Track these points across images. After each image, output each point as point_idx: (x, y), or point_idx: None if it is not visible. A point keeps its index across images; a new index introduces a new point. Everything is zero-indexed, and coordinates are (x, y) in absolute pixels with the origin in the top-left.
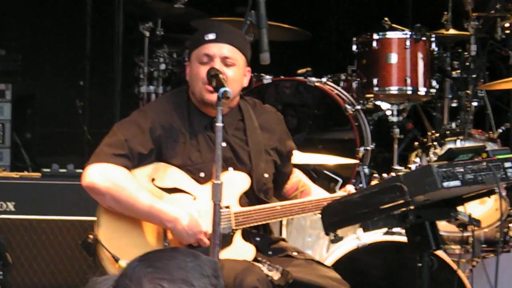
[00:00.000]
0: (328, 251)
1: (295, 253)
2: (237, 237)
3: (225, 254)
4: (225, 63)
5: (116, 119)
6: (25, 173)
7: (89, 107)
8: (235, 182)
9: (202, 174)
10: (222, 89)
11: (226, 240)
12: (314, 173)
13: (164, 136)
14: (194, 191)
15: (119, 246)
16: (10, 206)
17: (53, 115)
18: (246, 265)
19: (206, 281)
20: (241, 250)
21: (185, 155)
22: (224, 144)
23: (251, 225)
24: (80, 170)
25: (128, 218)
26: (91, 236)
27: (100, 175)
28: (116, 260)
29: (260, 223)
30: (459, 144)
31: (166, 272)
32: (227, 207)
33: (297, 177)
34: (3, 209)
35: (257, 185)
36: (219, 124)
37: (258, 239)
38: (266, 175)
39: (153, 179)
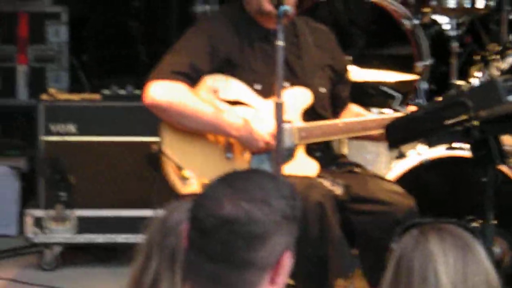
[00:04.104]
0: (389, 168)
1: (357, 169)
2: (300, 152)
3: (288, 168)
4: None
5: (172, 39)
6: (86, 95)
7: (145, 27)
8: (297, 97)
9: (258, 86)
10: (282, 8)
11: (288, 154)
12: (372, 89)
13: (224, 52)
14: (256, 104)
15: (182, 157)
16: (72, 128)
17: (108, 36)
18: (309, 181)
19: (284, 202)
20: (304, 165)
21: (241, 69)
22: None
23: (313, 140)
24: (138, 91)
25: (191, 132)
26: (155, 147)
27: (162, 92)
28: (180, 169)
29: (322, 139)
30: None
31: (246, 192)
32: (290, 121)
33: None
34: (65, 131)
35: (315, 100)
36: (280, 43)
37: (319, 154)
38: (322, 90)
39: (215, 91)
